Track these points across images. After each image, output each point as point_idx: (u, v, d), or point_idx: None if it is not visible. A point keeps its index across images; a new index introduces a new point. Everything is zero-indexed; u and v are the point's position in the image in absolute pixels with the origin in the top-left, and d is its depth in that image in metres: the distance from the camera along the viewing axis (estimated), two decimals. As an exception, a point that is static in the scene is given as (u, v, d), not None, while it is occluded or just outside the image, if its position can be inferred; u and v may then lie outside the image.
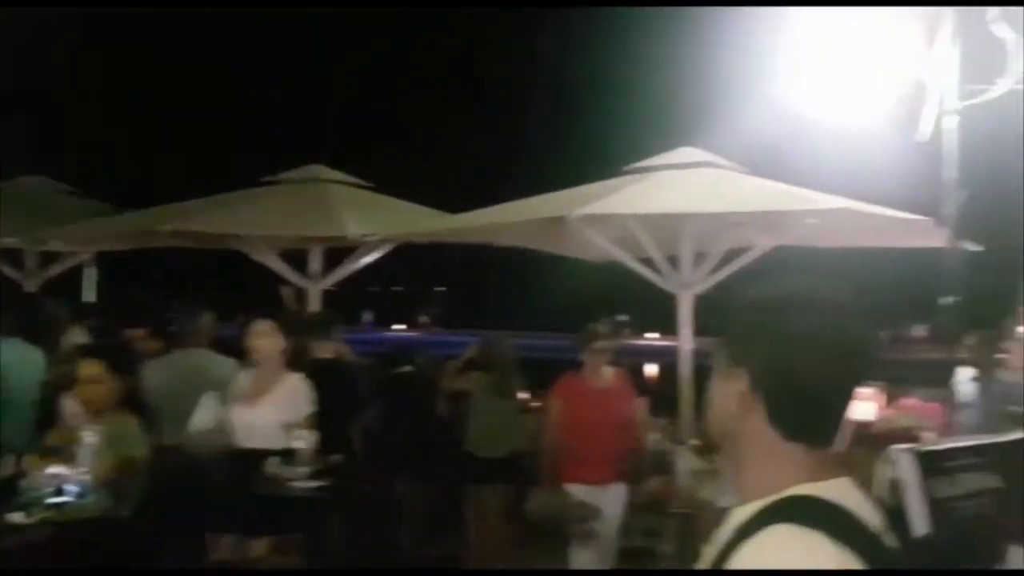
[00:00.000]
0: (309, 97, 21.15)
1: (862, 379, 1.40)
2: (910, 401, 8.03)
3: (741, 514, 1.34)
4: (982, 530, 1.86)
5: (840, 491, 1.32)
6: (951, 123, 6.10)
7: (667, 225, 7.18)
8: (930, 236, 6.75)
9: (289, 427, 4.74)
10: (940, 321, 6.64)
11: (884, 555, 1.27)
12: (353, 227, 7.11)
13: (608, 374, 5.97)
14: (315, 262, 7.96)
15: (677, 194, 6.86)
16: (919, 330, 14.37)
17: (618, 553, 5.95)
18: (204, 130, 19.00)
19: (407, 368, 7.61)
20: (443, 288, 30.09)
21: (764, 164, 7.48)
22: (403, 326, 22.55)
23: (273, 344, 4.99)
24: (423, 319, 21.60)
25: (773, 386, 1.37)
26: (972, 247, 7.30)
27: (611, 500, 5.84)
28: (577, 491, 5.69)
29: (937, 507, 1.79)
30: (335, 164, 8.34)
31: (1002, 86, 5.85)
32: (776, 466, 1.35)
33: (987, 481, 1.87)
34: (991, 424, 5.91)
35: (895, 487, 1.80)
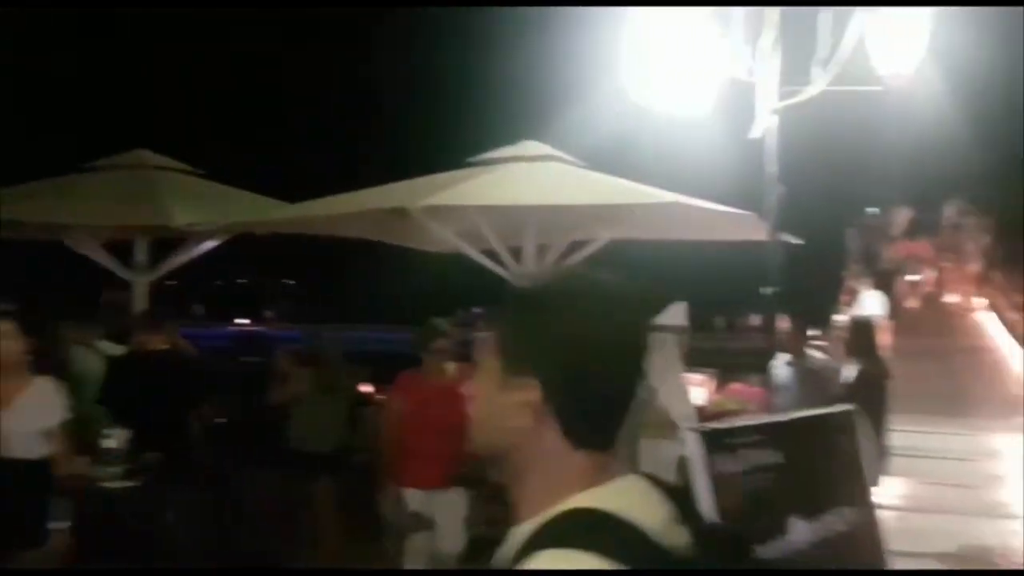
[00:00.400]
0: (134, 79, 20.12)
1: (645, 375, 1.32)
2: (737, 386, 8.48)
3: (520, 534, 1.23)
4: (766, 502, 1.96)
5: (621, 493, 1.24)
6: (772, 122, 6.47)
7: (510, 217, 7.28)
8: (754, 230, 7.12)
9: (43, 434, 4.40)
10: (762, 310, 7.05)
11: (664, 559, 1.18)
12: (181, 216, 6.80)
13: (450, 371, 5.65)
14: (140, 254, 7.56)
15: (520, 187, 6.94)
16: (755, 319, 15.16)
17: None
18: (16, 111, 17.65)
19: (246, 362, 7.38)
20: (292, 281, 29.38)
21: (603, 160, 7.66)
22: (247, 320, 21.91)
23: (11, 348, 4.44)
24: (269, 313, 20.99)
25: (569, 394, 1.25)
26: (792, 240, 7.79)
27: (447, 505, 5.57)
28: (411, 496, 5.46)
29: (722, 482, 1.88)
30: (165, 150, 7.95)
31: (815, 87, 6.24)
32: (559, 477, 1.25)
33: (770, 457, 1.98)
34: (806, 405, 6.32)
35: (685, 465, 1.87)
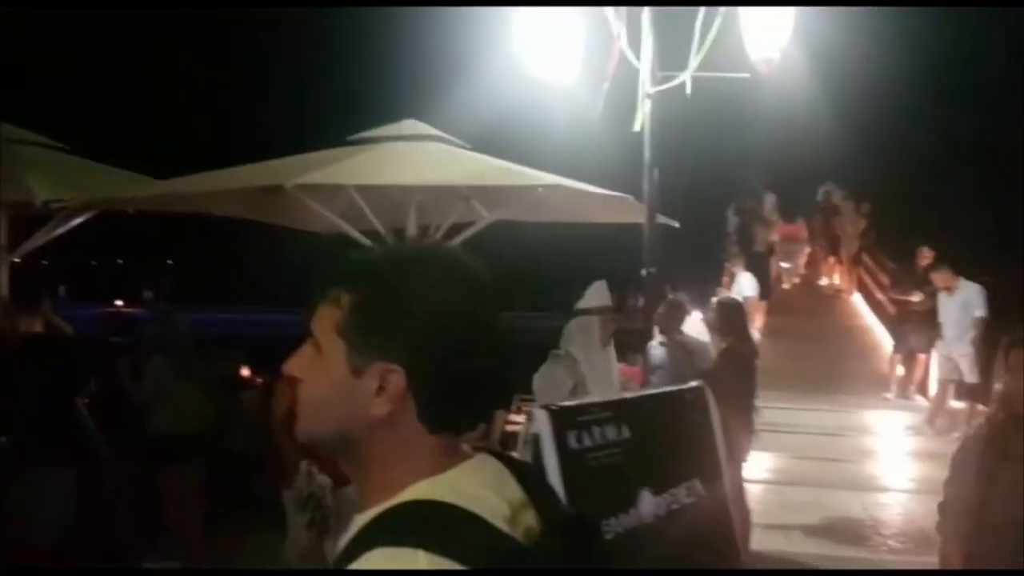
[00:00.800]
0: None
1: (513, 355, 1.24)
2: (618, 365, 8.66)
3: (358, 525, 1.14)
4: (615, 478, 1.98)
5: (468, 478, 1.16)
6: (646, 107, 6.59)
7: (391, 197, 7.19)
8: (634, 213, 7.25)
9: None
10: (641, 291, 7.18)
11: (509, 548, 1.10)
12: (42, 192, 6.43)
13: None
14: (1, 232, 7.15)
15: (399, 166, 6.85)
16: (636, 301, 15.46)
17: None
18: None
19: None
20: (171, 262, 28.38)
21: (487, 142, 7.65)
22: (121, 302, 21.05)
23: None
24: (148, 294, 20.19)
25: (437, 376, 1.15)
26: (671, 222, 7.97)
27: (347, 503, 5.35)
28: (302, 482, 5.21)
29: (572, 458, 1.89)
30: (26, 124, 7.51)
31: (685, 73, 6.39)
32: (409, 464, 1.16)
33: (619, 433, 2.00)
34: (679, 384, 6.50)
35: (535, 442, 1.87)
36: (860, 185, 16.45)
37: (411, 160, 6.91)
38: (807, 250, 17.30)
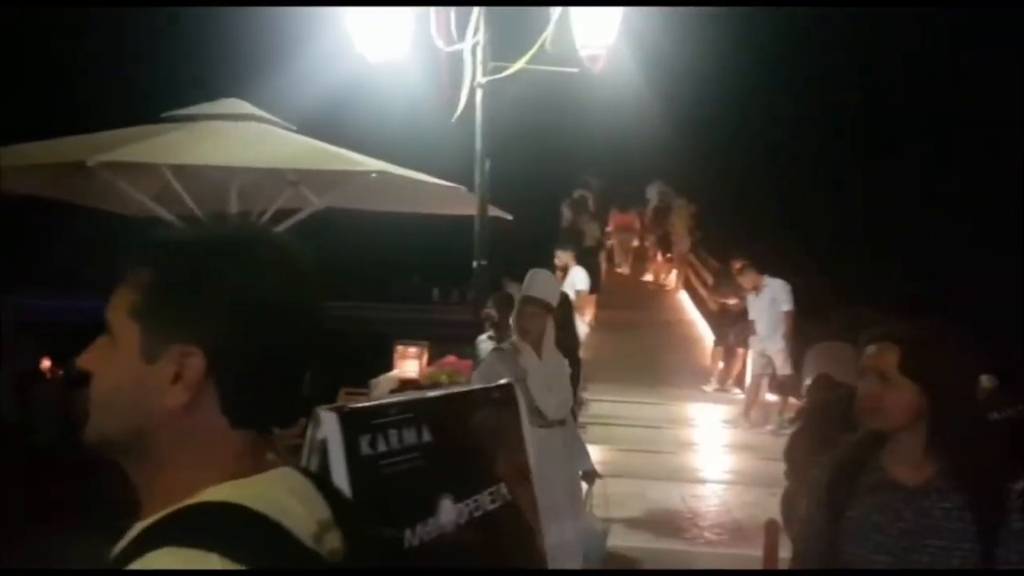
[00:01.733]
0: None
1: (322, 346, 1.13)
2: (450, 358, 8.57)
3: (138, 529, 1.00)
4: (413, 485, 1.84)
5: (269, 486, 1.04)
6: (477, 98, 6.52)
7: (210, 180, 6.78)
8: (465, 204, 7.16)
9: None
10: (472, 283, 7.11)
11: (310, 561, 1.01)
12: None
13: None
14: None
15: (219, 146, 6.46)
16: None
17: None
18: None
19: None
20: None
21: (313, 126, 7.34)
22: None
23: None
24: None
25: (240, 363, 1.05)
26: (504, 215, 7.93)
27: None
28: None
29: (364, 466, 1.73)
30: None
31: (516, 65, 6.36)
32: (207, 463, 1.04)
33: (419, 436, 1.85)
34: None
35: (322, 449, 1.70)
36: (688, 184, 17.07)
37: (230, 140, 6.53)
38: (635, 243, 17.78)
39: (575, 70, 6.76)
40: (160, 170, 6.40)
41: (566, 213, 14.98)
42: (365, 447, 1.74)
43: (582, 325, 10.73)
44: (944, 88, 20.36)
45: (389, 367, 8.87)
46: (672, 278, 16.93)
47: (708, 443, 9.50)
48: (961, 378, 2.17)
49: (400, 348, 8.41)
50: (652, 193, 17.66)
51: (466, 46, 6.38)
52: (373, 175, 6.04)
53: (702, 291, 14.75)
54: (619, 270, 17.19)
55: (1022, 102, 18.46)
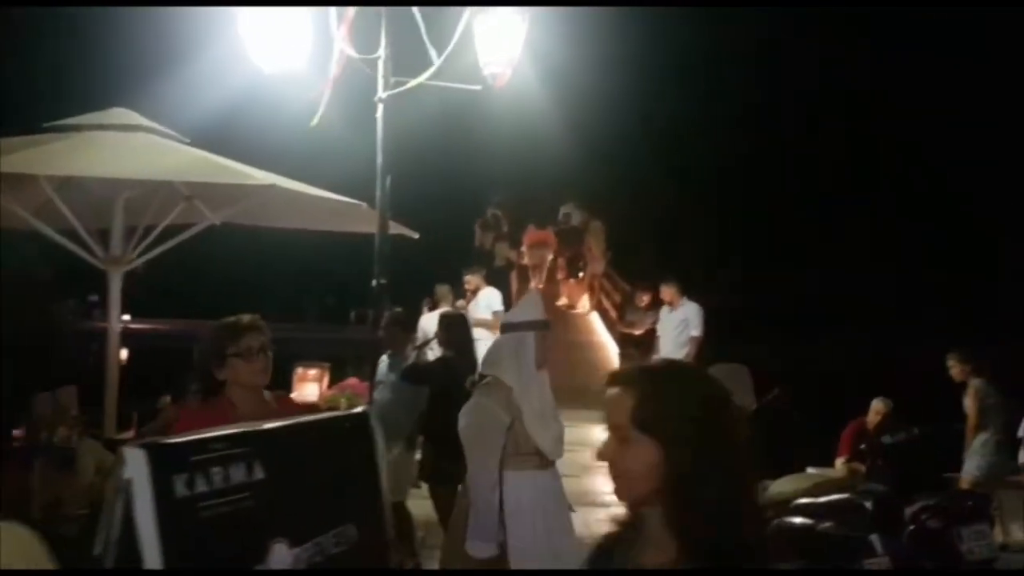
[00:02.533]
0: None
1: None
2: (351, 380, 8.32)
3: None
4: (238, 529, 1.65)
5: None
6: (379, 113, 6.33)
7: (94, 192, 6.46)
8: (366, 221, 6.95)
9: None
10: (371, 303, 6.86)
11: None
12: None
13: None
14: None
15: (104, 157, 6.14)
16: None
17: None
18: None
19: None
20: None
21: (207, 139, 7.05)
22: None
23: None
24: None
25: None
26: (406, 232, 7.75)
27: None
28: None
29: (178, 509, 1.54)
30: None
31: (415, 80, 6.21)
32: None
33: (249, 473, 1.67)
34: (401, 399, 6.28)
35: (127, 491, 1.50)
36: (599, 203, 17.17)
37: (117, 151, 6.22)
38: (549, 257, 17.76)
39: (478, 87, 6.65)
40: (41, 183, 6.06)
41: (478, 233, 14.85)
42: (181, 488, 1.55)
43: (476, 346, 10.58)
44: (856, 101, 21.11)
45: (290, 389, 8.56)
46: (585, 300, 16.93)
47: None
48: (709, 430, 1.58)
49: (300, 370, 8.10)
50: (565, 213, 17.67)
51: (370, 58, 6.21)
52: (270, 187, 5.79)
53: (612, 313, 14.79)
54: (532, 287, 17.13)
55: (932, 134, 19.26)
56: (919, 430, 6.93)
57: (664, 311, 9.82)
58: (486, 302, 11.10)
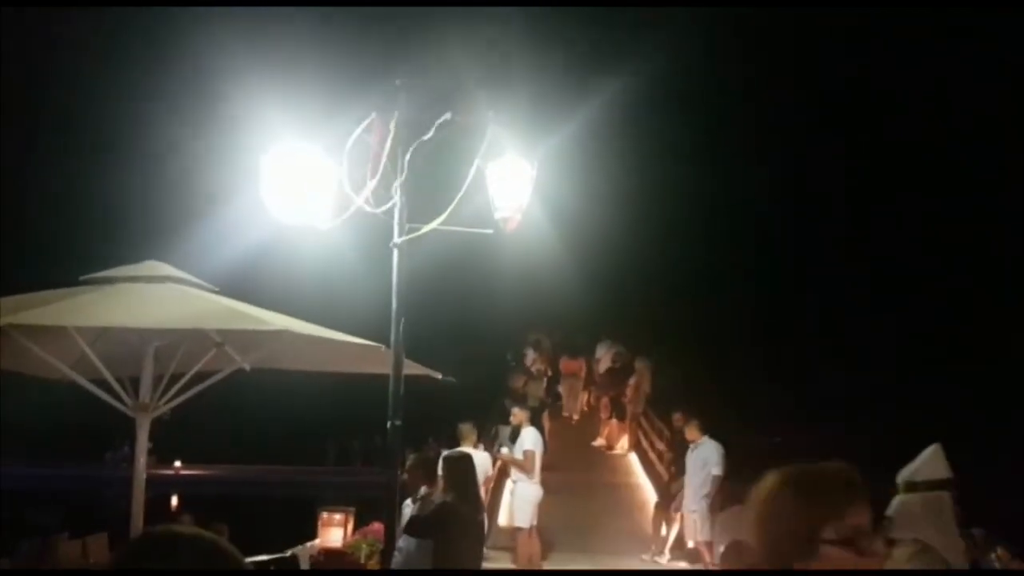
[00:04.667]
0: None
1: None
2: (374, 525, 8.26)
3: None
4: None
5: None
6: (394, 258, 6.56)
7: (127, 341, 6.72)
8: (385, 363, 7.08)
9: None
10: (385, 442, 6.89)
11: None
12: None
13: None
14: None
15: (132, 307, 6.43)
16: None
17: None
18: None
19: None
20: None
21: (234, 287, 7.35)
22: None
23: None
24: None
25: None
26: (433, 374, 7.86)
27: None
28: None
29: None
30: None
31: (428, 226, 6.46)
32: None
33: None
34: (421, 545, 6.18)
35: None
36: (634, 344, 17.19)
37: (145, 301, 6.50)
38: (584, 396, 17.61)
39: (490, 231, 6.88)
40: (68, 331, 6.33)
41: (511, 373, 14.90)
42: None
43: (533, 486, 10.47)
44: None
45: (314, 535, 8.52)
46: (624, 441, 16.66)
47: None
48: None
49: (324, 515, 8.07)
50: (603, 352, 17.64)
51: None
52: (282, 332, 5.97)
53: (651, 454, 14.54)
54: (566, 417, 16.95)
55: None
56: None
57: (688, 454, 9.71)
58: (521, 441, 11.04)
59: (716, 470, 9.19)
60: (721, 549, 4.62)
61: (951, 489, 3.91)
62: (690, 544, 10.11)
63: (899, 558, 3.77)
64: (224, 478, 20.96)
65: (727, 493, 9.02)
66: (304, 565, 7.57)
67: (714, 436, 9.92)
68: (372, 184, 6.65)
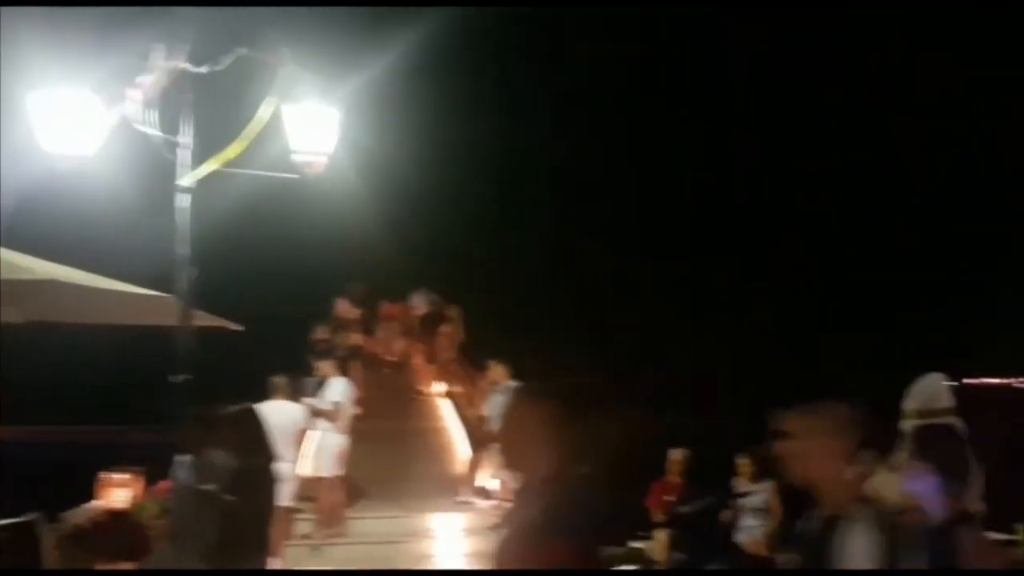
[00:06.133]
0: None
1: None
2: (166, 483, 7.82)
3: None
4: None
5: None
6: (183, 201, 6.12)
7: None
8: (173, 314, 6.65)
9: None
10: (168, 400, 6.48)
11: None
12: None
13: None
14: None
15: None
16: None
17: None
18: None
19: None
20: None
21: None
22: None
23: None
24: None
25: None
26: (230, 325, 7.48)
27: None
28: None
29: None
30: None
31: (212, 166, 6.08)
32: None
33: None
34: (191, 505, 5.88)
35: None
36: (446, 292, 17.18)
37: None
38: (401, 343, 17.54)
39: (295, 176, 6.56)
40: None
41: (321, 326, 14.52)
42: None
43: (338, 436, 10.29)
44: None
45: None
46: (437, 387, 16.69)
47: (452, 555, 9.24)
48: None
49: (104, 476, 7.51)
50: (417, 299, 17.52)
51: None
52: (49, 282, 5.47)
53: (462, 399, 14.67)
54: (385, 364, 16.82)
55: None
56: (714, 497, 7.16)
57: (493, 394, 9.89)
58: (329, 393, 10.82)
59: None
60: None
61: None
62: (492, 484, 10.33)
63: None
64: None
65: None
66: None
67: (519, 379, 10.13)
68: (153, 117, 6.17)
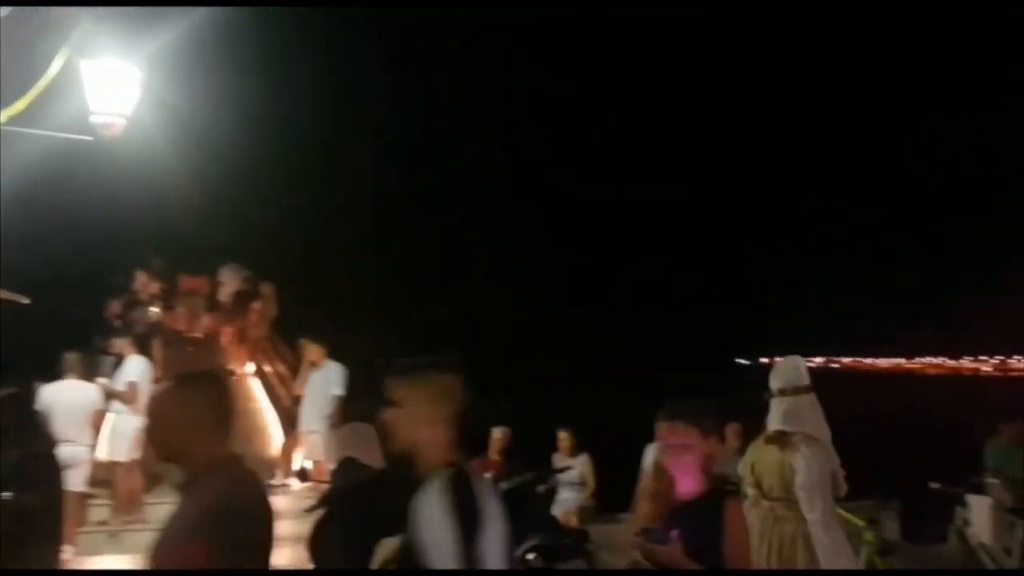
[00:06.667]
0: None
1: None
2: None
3: None
4: None
5: None
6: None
7: None
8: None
9: None
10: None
11: None
12: None
13: None
14: None
15: None
16: None
17: None
18: None
19: None
20: None
21: None
22: None
23: None
24: None
25: None
26: (16, 298, 6.90)
27: None
28: None
29: None
30: None
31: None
32: None
33: None
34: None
35: None
36: (254, 269, 16.60)
37: None
38: (207, 320, 16.79)
39: (88, 138, 6.12)
40: None
41: (115, 300, 13.65)
42: None
43: (134, 418, 9.74)
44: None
45: None
46: (246, 366, 16.15)
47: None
48: None
49: None
50: (228, 275, 16.82)
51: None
52: None
53: (274, 379, 14.26)
54: (189, 341, 16.03)
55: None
56: (533, 473, 7.38)
57: (309, 372, 9.73)
58: (125, 373, 10.27)
59: (337, 391, 9.39)
60: (332, 466, 4.68)
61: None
62: (307, 464, 10.16)
63: (796, 444, 4.99)
64: None
65: (343, 413, 9.26)
66: None
67: (336, 358, 10.05)
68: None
